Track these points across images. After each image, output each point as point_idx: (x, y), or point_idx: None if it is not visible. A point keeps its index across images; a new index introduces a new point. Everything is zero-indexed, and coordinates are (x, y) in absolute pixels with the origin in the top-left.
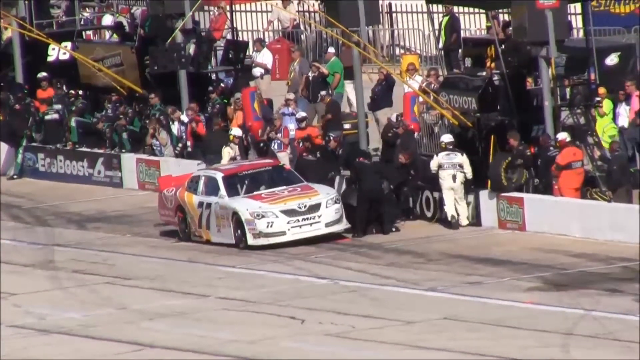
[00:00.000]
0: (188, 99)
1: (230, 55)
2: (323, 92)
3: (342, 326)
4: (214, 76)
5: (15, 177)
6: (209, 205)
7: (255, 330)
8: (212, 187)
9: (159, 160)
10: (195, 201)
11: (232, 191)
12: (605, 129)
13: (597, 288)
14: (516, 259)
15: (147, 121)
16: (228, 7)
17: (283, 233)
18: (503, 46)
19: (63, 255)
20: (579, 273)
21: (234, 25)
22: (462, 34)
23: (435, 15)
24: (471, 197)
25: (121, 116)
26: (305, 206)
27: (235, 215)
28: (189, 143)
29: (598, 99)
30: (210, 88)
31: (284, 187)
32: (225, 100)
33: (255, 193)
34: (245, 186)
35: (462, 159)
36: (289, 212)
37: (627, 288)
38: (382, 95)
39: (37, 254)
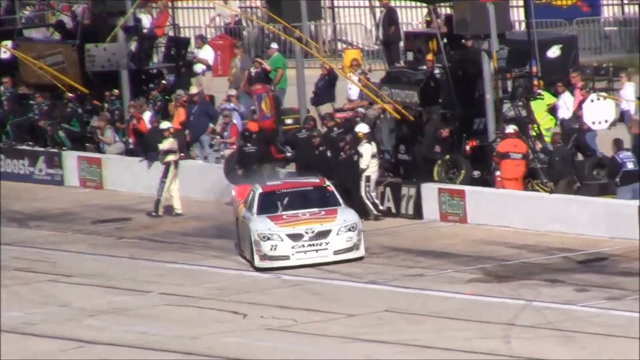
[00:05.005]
0: (130, 96)
1: (172, 52)
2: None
3: (284, 320)
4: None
5: None
6: (244, 220)
7: (198, 325)
8: (252, 202)
9: (101, 157)
10: (242, 215)
11: (268, 209)
12: (543, 122)
13: (537, 279)
14: (457, 251)
15: (97, 118)
16: (170, 4)
17: (287, 257)
18: (445, 40)
19: (5, 254)
20: (520, 264)
21: (176, 22)
22: (403, 28)
23: (377, 10)
24: (413, 190)
25: (68, 109)
26: (312, 232)
27: (250, 234)
28: (131, 140)
29: (539, 91)
30: (152, 85)
31: (314, 209)
32: (167, 97)
33: (277, 213)
34: (282, 204)
35: (362, 148)
36: (295, 237)
37: (568, 278)
38: (325, 90)
39: None
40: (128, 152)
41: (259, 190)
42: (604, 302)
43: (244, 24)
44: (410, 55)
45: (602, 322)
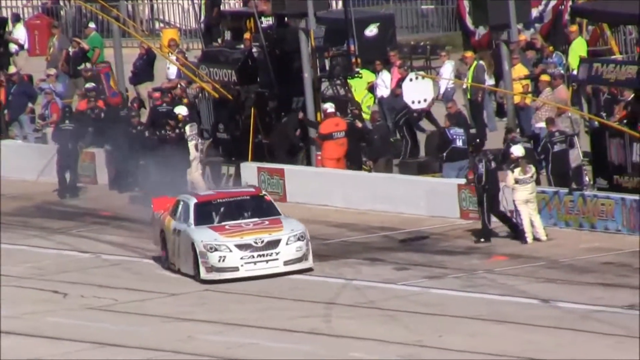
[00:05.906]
0: None
1: None
2: (89, 65)
3: (104, 299)
4: None
5: None
6: (179, 232)
7: (19, 305)
8: (186, 214)
9: None
10: (172, 227)
11: (205, 219)
12: (364, 100)
13: (358, 258)
14: None
15: None
16: None
17: (236, 269)
18: (263, 19)
19: None
20: (341, 243)
21: None
22: (222, 7)
23: None
24: (232, 169)
25: None
26: (262, 241)
27: (193, 246)
28: None
29: (358, 69)
30: None
31: (256, 219)
32: None
33: (220, 224)
34: (220, 215)
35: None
36: (244, 247)
37: (388, 257)
38: (143, 70)
39: None
40: None
41: (194, 200)
42: (424, 281)
43: (62, 3)
44: (228, 35)
45: (422, 300)
